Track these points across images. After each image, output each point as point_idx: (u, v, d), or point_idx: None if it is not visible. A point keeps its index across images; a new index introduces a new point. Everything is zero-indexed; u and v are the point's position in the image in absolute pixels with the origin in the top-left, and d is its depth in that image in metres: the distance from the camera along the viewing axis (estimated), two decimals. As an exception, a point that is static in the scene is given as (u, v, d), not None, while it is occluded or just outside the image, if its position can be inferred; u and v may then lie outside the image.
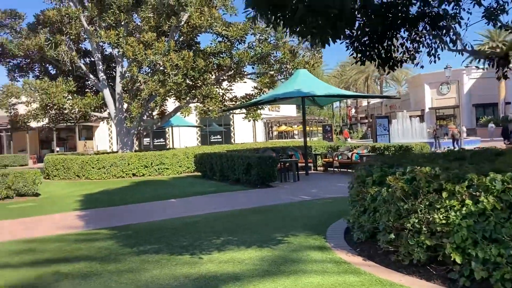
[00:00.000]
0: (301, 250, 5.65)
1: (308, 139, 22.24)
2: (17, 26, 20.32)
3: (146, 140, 40.04)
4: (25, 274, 5.37)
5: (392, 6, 6.69)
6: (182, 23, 18.72)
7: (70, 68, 19.75)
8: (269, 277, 4.67)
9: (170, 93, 18.00)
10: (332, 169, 16.66)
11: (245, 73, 22.04)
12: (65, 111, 20.35)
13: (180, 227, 7.68)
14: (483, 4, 7.10)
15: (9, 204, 12.54)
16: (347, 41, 6.78)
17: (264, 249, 5.76)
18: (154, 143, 41.36)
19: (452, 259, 4.13)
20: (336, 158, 16.38)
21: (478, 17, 11.34)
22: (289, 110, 53.13)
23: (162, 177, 17.70)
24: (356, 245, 5.65)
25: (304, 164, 15.76)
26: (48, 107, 19.33)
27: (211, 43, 19.88)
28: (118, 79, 20.03)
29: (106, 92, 20.19)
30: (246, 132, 42.95)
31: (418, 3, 6.95)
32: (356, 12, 6.07)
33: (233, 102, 22.25)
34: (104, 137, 41.94)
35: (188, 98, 19.22)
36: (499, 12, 7.07)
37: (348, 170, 14.66)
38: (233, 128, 43.79)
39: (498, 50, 16.03)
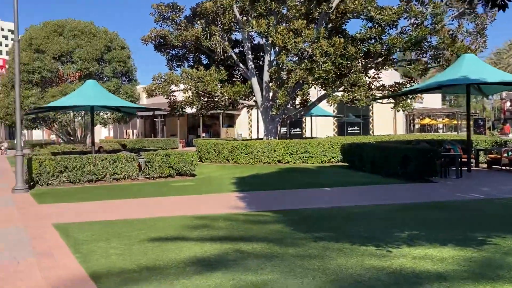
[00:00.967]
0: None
1: (455, 133, 20.16)
2: (177, 19, 21.92)
3: (283, 129, 40.75)
4: (210, 249, 5.53)
5: None
6: (332, 9, 18.27)
7: (222, 57, 20.71)
8: (486, 282, 4.04)
9: (318, 81, 17.75)
10: (500, 167, 14.76)
11: (394, 60, 20.77)
12: (215, 99, 21.46)
13: (350, 216, 7.35)
14: None
15: (172, 182, 13.58)
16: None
17: (466, 248, 5.12)
18: (291, 132, 41.83)
19: None
20: (505, 155, 14.46)
21: None
22: (433, 102, 49.29)
23: (307, 165, 17.63)
24: None
25: (466, 160, 14.23)
26: (200, 95, 20.56)
27: (360, 29, 19.07)
28: (266, 67, 20.43)
29: (254, 81, 20.77)
30: (385, 124, 40.98)
31: None
32: None
33: (380, 91, 21.19)
34: (244, 125, 43.74)
35: (334, 86, 18.76)
36: None
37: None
38: (372, 119, 42.14)
39: None
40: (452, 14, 18.28)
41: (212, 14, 20.63)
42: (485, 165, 15.71)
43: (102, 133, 49.02)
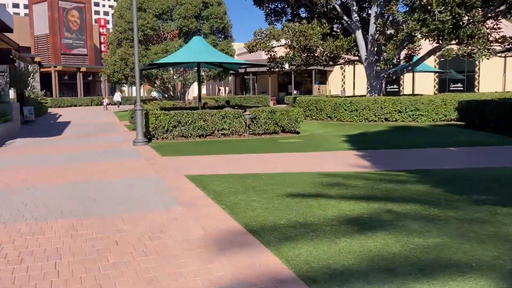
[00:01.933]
0: None
1: None
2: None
3: (377, 86, 38.97)
4: (358, 208, 5.28)
5: None
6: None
7: (325, 10, 19.80)
8: None
9: (434, 33, 16.30)
10: None
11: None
12: (316, 54, 20.75)
13: (498, 179, 6.66)
14: None
15: (280, 139, 13.49)
16: None
17: None
18: (387, 89, 39.90)
19: None
20: None
21: None
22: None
23: (417, 123, 16.61)
24: None
25: None
26: (302, 49, 19.95)
27: (483, -27, 17.03)
28: (372, 19, 19.22)
29: (359, 34, 19.70)
30: (492, 80, 37.50)
31: None
32: None
33: (499, 44, 19.05)
34: (337, 82, 42.46)
35: (450, 39, 17.15)
36: None
37: None
38: (478, 75, 38.69)
39: None
40: None
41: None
42: None
43: (195, 90, 50.56)
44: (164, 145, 12.31)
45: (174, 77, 30.58)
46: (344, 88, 40.31)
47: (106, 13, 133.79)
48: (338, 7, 20.15)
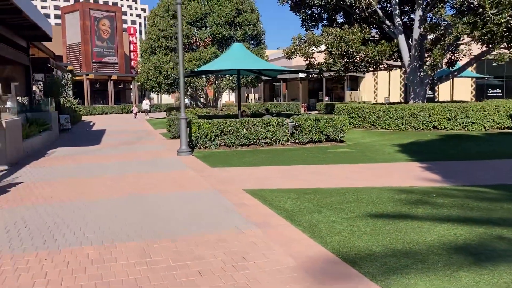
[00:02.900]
0: None
1: None
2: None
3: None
4: (460, 233, 4.65)
5: None
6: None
7: (366, 14, 19.14)
8: None
9: (486, 37, 15.47)
10: None
11: None
12: (355, 59, 20.08)
13: None
14: None
15: (327, 148, 12.89)
16: None
17: None
18: (422, 96, 38.77)
19: None
20: None
21: None
22: None
23: (468, 131, 15.75)
24: None
25: None
26: (343, 55, 19.31)
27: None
28: (416, 23, 18.46)
29: (401, 39, 18.96)
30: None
31: None
32: None
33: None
34: (370, 88, 41.57)
35: (502, 42, 16.28)
36: None
37: None
38: (519, 81, 37.19)
39: None
40: None
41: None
42: None
43: (223, 97, 50.44)
44: (209, 155, 11.87)
45: (206, 84, 30.35)
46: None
47: (133, 22, 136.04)
48: (380, 11, 19.46)
